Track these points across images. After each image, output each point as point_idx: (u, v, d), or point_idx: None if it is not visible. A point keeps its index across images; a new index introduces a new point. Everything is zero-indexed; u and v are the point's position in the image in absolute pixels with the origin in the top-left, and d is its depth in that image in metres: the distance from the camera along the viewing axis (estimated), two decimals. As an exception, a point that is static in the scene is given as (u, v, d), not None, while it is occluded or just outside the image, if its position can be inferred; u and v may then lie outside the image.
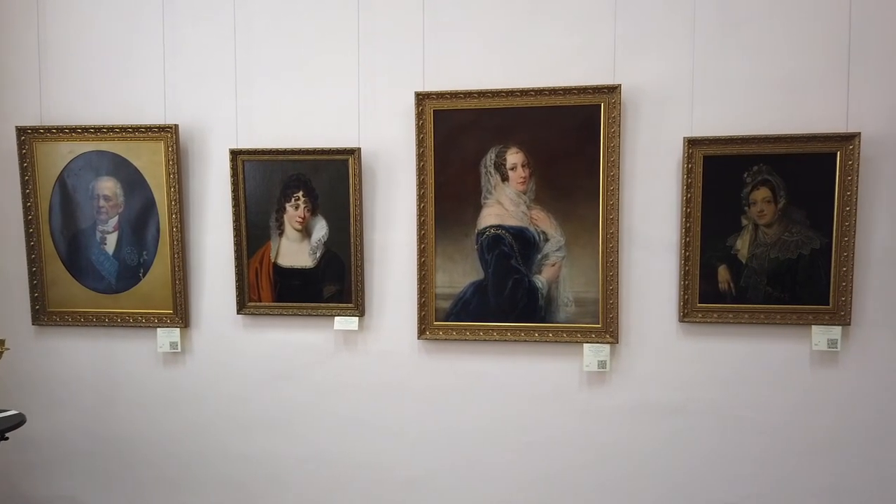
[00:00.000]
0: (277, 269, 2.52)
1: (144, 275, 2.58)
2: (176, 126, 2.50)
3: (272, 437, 2.62)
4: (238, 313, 2.55)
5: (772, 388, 2.32)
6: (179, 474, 2.68)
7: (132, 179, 2.55)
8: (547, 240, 2.39)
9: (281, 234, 2.50)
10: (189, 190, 2.58)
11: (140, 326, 2.61)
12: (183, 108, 2.55)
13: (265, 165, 2.47)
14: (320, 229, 2.48)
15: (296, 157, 2.45)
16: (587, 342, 2.39)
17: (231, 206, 2.50)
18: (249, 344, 2.59)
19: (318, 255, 2.49)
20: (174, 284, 2.57)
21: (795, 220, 2.24)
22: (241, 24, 2.50)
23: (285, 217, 2.49)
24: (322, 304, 2.50)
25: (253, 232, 2.51)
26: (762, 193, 2.24)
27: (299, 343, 2.56)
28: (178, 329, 2.60)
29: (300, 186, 2.46)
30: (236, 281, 2.53)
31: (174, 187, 2.52)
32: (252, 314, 2.55)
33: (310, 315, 2.52)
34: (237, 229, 2.50)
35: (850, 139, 2.17)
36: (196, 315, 2.62)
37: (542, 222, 2.39)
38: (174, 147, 2.50)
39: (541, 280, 2.40)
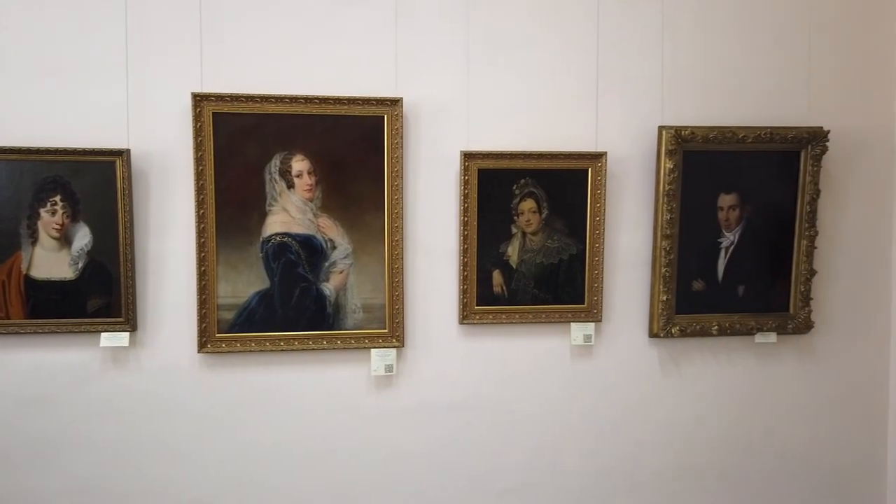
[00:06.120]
0: (30, 281, 2.24)
1: None
2: None
3: (22, 471, 2.32)
4: (-20, 333, 2.23)
5: (539, 381, 2.55)
6: None
7: None
8: (334, 247, 2.40)
9: (34, 242, 2.23)
10: (-86, 191, 2.22)
11: None
12: None
13: (13, 166, 2.19)
14: (83, 237, 2.25)
15: (51, 157, 2.20)
16: (375, 347, 2.44)
17: (-31, 211, 2.19)
18: (-6, 368, 2.28)
19: (80, 265, 2.26)
20: None
21: (556, 228, 2.49)
22: (-18, 4, 2.21)
23: (39, 224, 2.23)
24: (86, 320, 2.27)
25: (-2, 240, 2.21)
26: (528, 204, 2.46)
27: (58, 363, 2.30)
28: None
29: (57, 190, 2.22)
30: (-23, 296, 2.21)
31: None
32: (-2, 334, 2.25)
33: (71, 332, 2.27)
34: (-23, 237, 2.20)
35: (598, 157, 2.46)
36: (-76, 337, 2.25)
37: (330, 230, 2.40)
38: None
39: (329, 287, 2.41)
